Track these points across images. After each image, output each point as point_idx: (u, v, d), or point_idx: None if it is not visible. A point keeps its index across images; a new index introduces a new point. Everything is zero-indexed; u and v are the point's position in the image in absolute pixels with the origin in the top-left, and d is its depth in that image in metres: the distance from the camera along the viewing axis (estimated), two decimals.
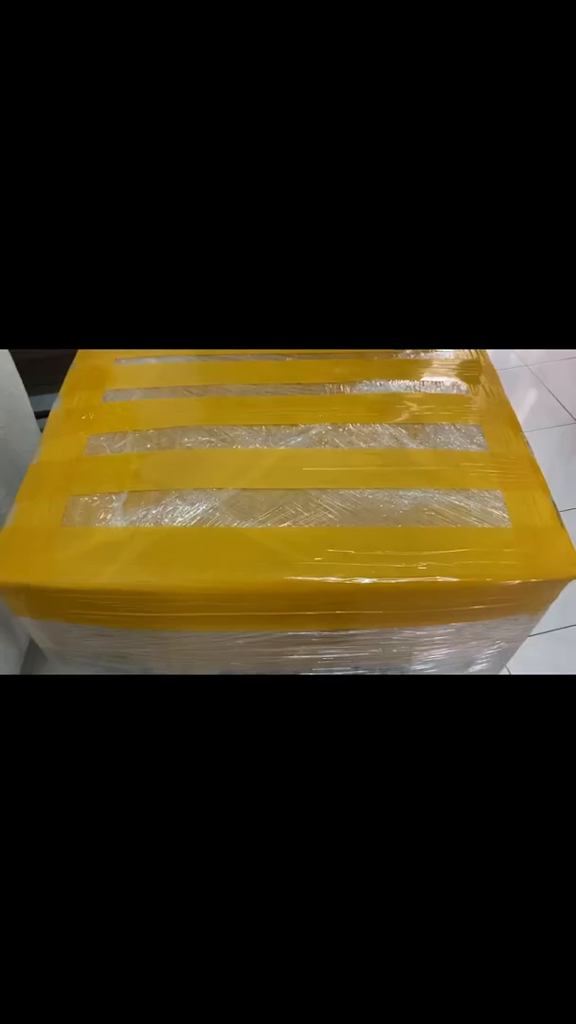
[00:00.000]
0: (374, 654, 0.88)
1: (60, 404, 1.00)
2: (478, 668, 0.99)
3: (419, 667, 0.93)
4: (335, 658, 0.89)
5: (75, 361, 1.09)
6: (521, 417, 1.10)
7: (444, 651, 0.89)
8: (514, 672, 1.31)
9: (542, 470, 0.89)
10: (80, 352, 1.10)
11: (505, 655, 0.96)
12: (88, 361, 1.08)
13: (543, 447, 1.73)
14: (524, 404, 1.96)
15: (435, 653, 0.89)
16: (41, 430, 1.04)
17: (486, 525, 0.81)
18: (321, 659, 0.89)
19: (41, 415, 1.22)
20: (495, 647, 0.92)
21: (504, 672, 1.34)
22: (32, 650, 1.22)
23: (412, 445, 0.90)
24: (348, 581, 0.77)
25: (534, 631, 1.42)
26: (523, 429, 0.95)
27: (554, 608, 0.89)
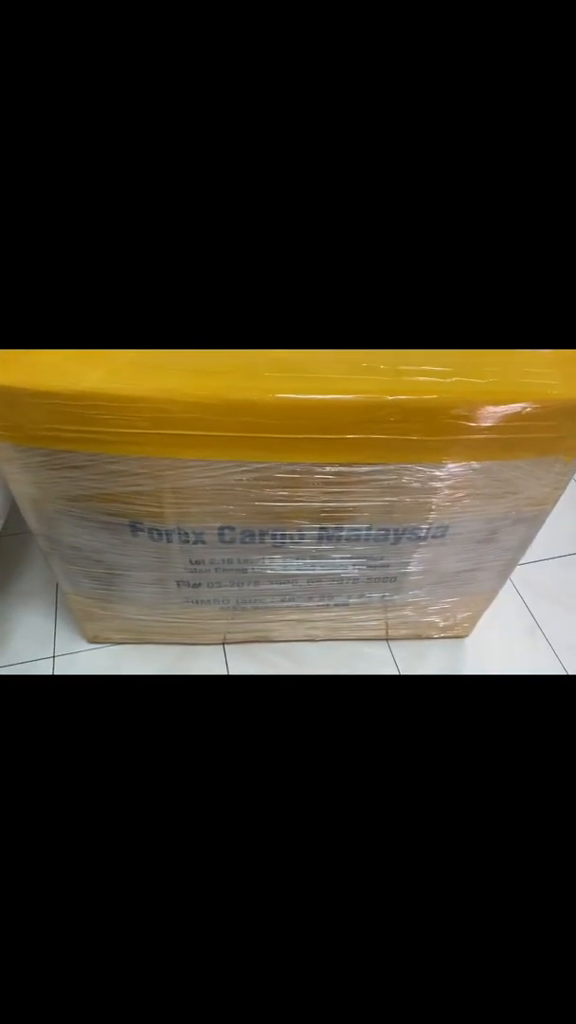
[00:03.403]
0: (389, 504, 0.79)
1: None
2: (501, 548, 0.90)
3: (435, 529, 0.84)
4: (347, 508, 0.80)
5: None
6: None
7: (466, 503, 0.80)
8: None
9: None
10: None
11: (531, 527, 0.88)
12: None
13: None
14: None
15: (455, 508, 0.81)
16: None
17: (523, 350, 0.73)
18: (328, 508, 0.80)
19: None
20: (521, 511, 0.84)
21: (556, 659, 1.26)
22: (11, 521, 1.13)
23: None
24: (370, 396, 0.68)
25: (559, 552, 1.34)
26: None
27: None
